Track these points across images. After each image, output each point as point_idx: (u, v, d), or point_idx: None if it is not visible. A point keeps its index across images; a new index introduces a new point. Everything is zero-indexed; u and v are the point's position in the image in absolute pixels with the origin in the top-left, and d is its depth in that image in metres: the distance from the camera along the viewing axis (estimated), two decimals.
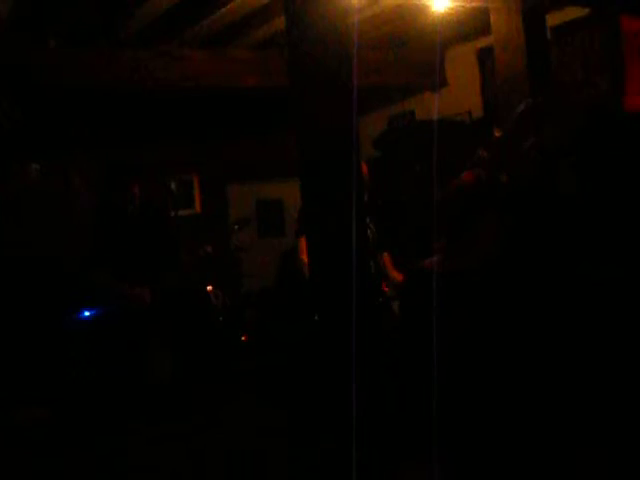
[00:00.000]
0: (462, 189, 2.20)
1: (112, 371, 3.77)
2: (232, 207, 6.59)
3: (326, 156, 2.48)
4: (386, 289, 3.85)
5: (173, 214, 4.68)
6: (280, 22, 3.78)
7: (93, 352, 3.87)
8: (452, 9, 3.71)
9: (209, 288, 4.76)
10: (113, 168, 4.01)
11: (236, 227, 4.50)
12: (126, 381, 3.73)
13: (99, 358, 3.82)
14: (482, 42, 4.81)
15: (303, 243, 3.49)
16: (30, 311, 4.26)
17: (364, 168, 3.62)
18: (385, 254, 3.93)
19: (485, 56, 4.89)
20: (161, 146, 5.99)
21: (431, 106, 5.32)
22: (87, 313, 4.07)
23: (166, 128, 5.87)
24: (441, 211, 2.24)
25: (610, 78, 4.20)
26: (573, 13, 4.32)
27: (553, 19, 4.09)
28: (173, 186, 5.13)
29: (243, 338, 4.77)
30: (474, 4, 3.74)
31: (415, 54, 5.00)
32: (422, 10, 3.89)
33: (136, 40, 4.42)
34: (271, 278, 5.04)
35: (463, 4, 3.78)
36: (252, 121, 6.01)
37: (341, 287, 2.38)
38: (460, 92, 5.16)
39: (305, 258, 3.42)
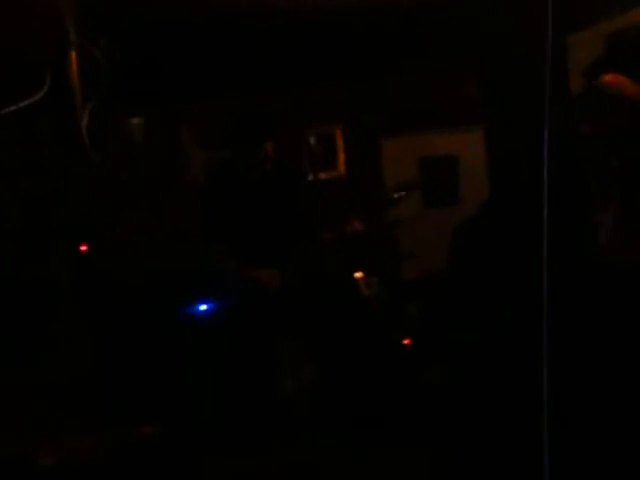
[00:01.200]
0: None
1: (237, 379, 3.79)
2: (387, 168, 6.36)
3: (517, 94, 2.43)
4: None
5: (311, 178, 4.61)
6: None
7: (213, 356, 3.96)
8: None
9: (358, 275, 4.70)
10: (235, 120, 3.91)
11: (396, 195, 4.38)
12: (254, 392, 3.75)
13: (220, 363, 3.89)
14: None
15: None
16: (134, 308, 4.40)
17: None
18: None
19: None
20: (295, 92, 5.87)
21: None
22: (204, 306, 4.18)
23: (300, 68, 5.69)
24: None
25: None
26: None
27: None
28: (312, 142, 5.15)
29: (405, 342, 4.66)
30: None
31: None
32: None
33: None
34: (441, 262, 4.73)
35: None
36: (413, 52, 5.62)
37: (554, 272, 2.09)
38: None
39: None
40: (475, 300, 4.42)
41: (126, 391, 3.89)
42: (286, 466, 3.35)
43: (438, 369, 4.39)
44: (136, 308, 4.48)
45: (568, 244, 2.72)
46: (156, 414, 3.69)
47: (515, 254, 3.76)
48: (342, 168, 6.48)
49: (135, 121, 4.97)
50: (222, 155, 4.16)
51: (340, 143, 6.50)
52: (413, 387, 4.27)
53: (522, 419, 2.49)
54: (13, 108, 3.24)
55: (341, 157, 6.50)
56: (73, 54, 3.58)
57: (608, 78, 2.75)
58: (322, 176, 5.09)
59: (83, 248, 4.05)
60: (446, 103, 6.17)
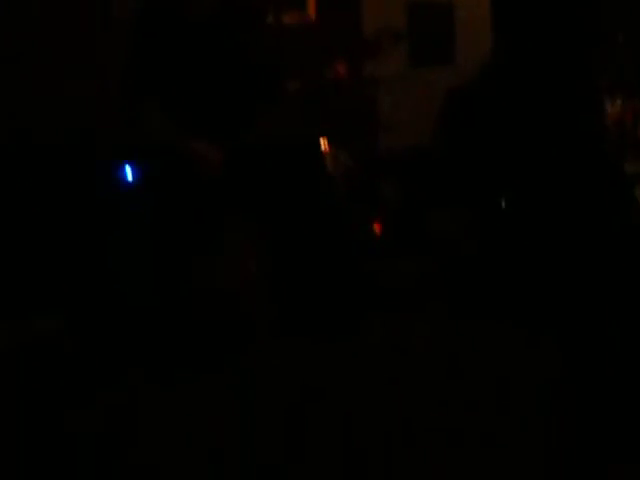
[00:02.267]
0: None
1: (163, 271, 3.50)
2: (367, 12, 6.05)
3: None
4: None
5: (272, 20, 4.24)
6: None
7: (136, 236, 3.69)
8: None
9: (324, 144, 4.31)
10: None
11: (378, 44, 4.29)
12: (183, 290, 3.45)
13: (144, 247, 3.61)
14: None
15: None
16: (42, 169, 4.15)
17: None
18: None
19: None
20: None
21: None
22: (129, 170, 3.81)
23: None
24: None
25: None
26: None
27: None
28: None
29: (376, 227, 4.51)
30: None
31: None
32: None
33: None
34: (426, 133, 4.65)
35: None
36: None
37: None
38: None
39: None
40: (464, 183, 4.31)
41: (23, 276, 3.80)
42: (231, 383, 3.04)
43: (411, 262, 4.34)
44: (45, 169, 4.28)
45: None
46: (59, 306, 3.65)
47: (519, 130, 3.49)
48: (312, 10, 6.06)
49: None
50: None
51: None
52: (381, 280, 4.17)
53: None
54: None
55: None
56: None
57: None
58: (286, 19, 4.67)
59: None
60: None
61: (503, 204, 3.71)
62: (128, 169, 3.79)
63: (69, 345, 3.33)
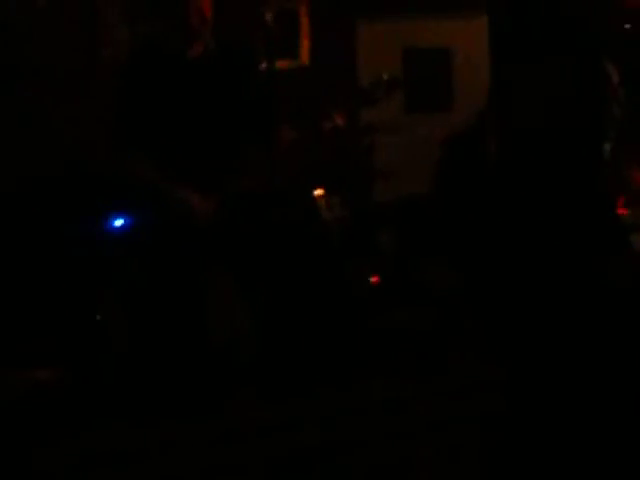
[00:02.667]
0: None
1: (155, 319, 3.54)
2: (363, 58, 6.15)
3: None
4: None
5: (266, 66, 4.14)
6: None
7: (127, 286, 3.68)
8: None
9: (318, 192, 4.39)
10: None
11: (374, 91, 4.21)
12: (176, 338, 3.53)
13: (136, 296, 3.61)
14: None
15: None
16: (29, 223, 4.15)
17: None
18: None
19: None
20: None
21: None
22: (119, 222, 3.78)
23: None
24: None
25: None
26: None
27: None
28: (268, 19, 4.48)
29: (372, 279, 4.46)
30: None
31: None
32: None
33: None
34: (424, 183, 4.66)
35: None
36: None
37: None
38: None
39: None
40: (462, 233, 4.32)
41: (21, 328, 3.83)
42: (216, 432, 3.12)
43: (409, 313, 4.33)
44: (32, 223, 4.24)
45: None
46: (56, 356, 3.66)
47: (518, 178, 3.35)
48: (306, 55, 6.18)
49: None
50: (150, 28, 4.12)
51: (304, 24, 6.19)
52: (381, 334, 4.10)
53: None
54: None
55: (305, 42, 6.20)
56: None
57: None
58: (281, 64, 4.54)
59: None
60: None
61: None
62: (118, 219, 3.77)
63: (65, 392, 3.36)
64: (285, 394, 3.54)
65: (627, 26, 4.38)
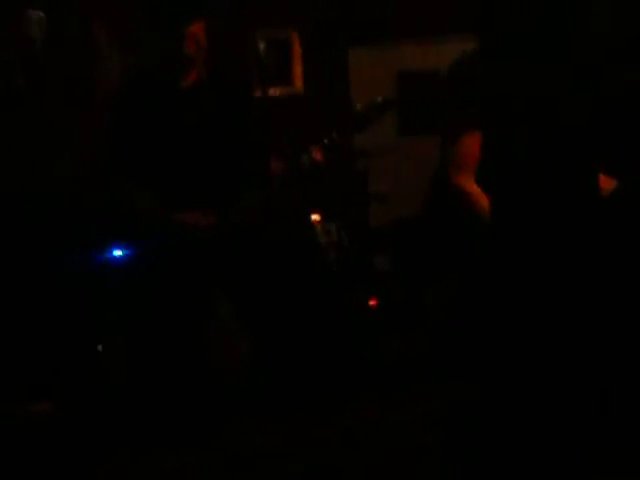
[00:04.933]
0: None
1: (153, 350, 3.61)
2: (356, 84, 6.21)
3: None
4: None
5: (260, 94, 4.24)
6: None
7: (127, 317, 3.76)
8: None
9: (315, 218, 4.49)
10: (158, 5, 3.73)
11: (367, 115, 4.30)
12: (175, 366, 3.58)
13: (136, 327, 3.69)
14: None
15: (469, 148, 3.42)
16: (26, 255, 4.09)
17: None
18: None
19: None
20: None
21: None
22: (119, 252, 3.87)
23: None
24: None
25: None
26: None
27: None
28: (261, 48, 4.77)
29: (371, 302, 4.52)
30: None
31: None
32: None
33: None
34: (420, 205, 4.52)
35: None
36: None
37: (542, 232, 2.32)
38: None
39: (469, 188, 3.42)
40: (460, 255, 4.14)
41: (16, 360, 3.77)
42: (215, 458, 3.19)
43: (412, 336, 4.35)
44: (29, 255, 4.19)
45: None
46: (53, 387, 3.64)
47: (513, 202, 3.58)
48: (299, 83, 6.29)
49: (35, 15, 4.51)
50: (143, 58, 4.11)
51: (297, 51, 6.28)
52: (379, 359, 4.19)
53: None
54: None
55: (298, 69, 6.29)
56: None
57: None
58: (274, 92, 4.77)
59: None
60: (428, 9, 6.03)
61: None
62: (118, 249, 3.84)
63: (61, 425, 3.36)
64: (284, 418, 3.55)
65: None
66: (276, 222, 4.07)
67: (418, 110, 6.20)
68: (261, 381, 3.75)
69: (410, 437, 3.21)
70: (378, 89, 5.67)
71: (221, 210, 3.69)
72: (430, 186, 4.28)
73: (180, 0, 3.72)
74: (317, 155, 3.94)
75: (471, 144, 3.52)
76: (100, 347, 3.87)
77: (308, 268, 4.36)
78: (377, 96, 4.27)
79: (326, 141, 4.00)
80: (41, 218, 4.25)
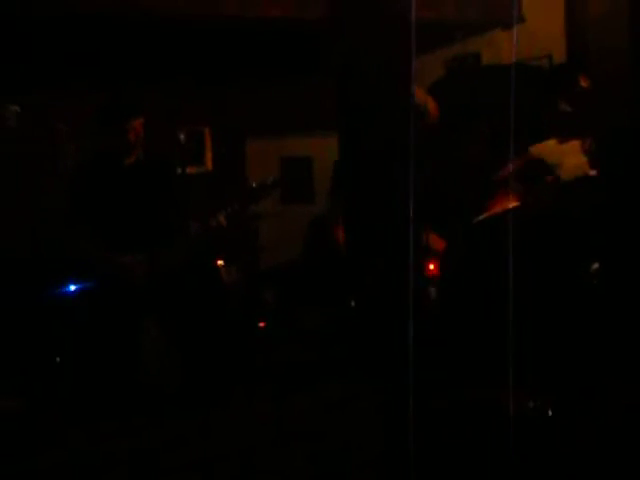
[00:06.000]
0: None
1: (99, 358, 3.62)
2: (251, 166, 6.38)
3: (373, 105, 2.44)
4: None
5: (180, 171, 4.42)
6: None
7: (78, 333, 3.73)
8: None
9: (219, 263, 4.57)
10: (109, 106, 3.74)
11: (260, 190, 4.32)
12: (115, 371, 3.60)
13: (84, 341, 3.68)
14: None
15: (338, 211, 3.41)
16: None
17: (421, 94, 3.46)
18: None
19: None
20: (167, 90, 5.74)
21: (502, 48, 5.00)
22: (72, 287, 3.84)
23: (174, 69, 5.61)
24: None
25: None
26: None
27: None
28: (182, 138, 4.87)
29: (260, 325, 4.64)
30: None
31: None
32: None
33: None
34: (296, 253, 4.90)
35: None
36: (277, 63, 5.76)
37: (387, 266, 2.36)
38: (539, 31, 4.81)
39: (340, 231, 3.34)
40: (325, 288, 4.42)
41: None
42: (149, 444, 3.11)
43: (291, 350, 4.35)
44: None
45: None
46: (20, 388, 3.59)
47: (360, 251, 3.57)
48: (209, 164, 6.40)
49: (10, 108, 4.70)
50: (95, 144, 3.98)
51: (208, 141, 6.42)
52: (268, 367, 4.17)
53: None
54: None
55: (208, 154, 6.41)
56: None
57: (417, 92, 2.92)
58: (190, 170, 5.02)
59: None
60: (305, 110, 6.14)
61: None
62: (72, 282, 3.76)
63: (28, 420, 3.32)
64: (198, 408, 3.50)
65: None
66: (192, 266, 4.01)
67: (296, 185, 6.27)
68: (179, 381, 3.73)
69: (307, 424, 3.16)
70: (267, 170, 5.69)
71: (151, 255, 3.69)
72: (309, 234, 4.46)
73: (122, 104, 3.74)
74: (222, 219, 3.95)
75: None
76: (58, 359, 3.86)
77: (215, 299, 4.30)
78: (268, 177, 4.37)
79: (229, 209, 3.99)
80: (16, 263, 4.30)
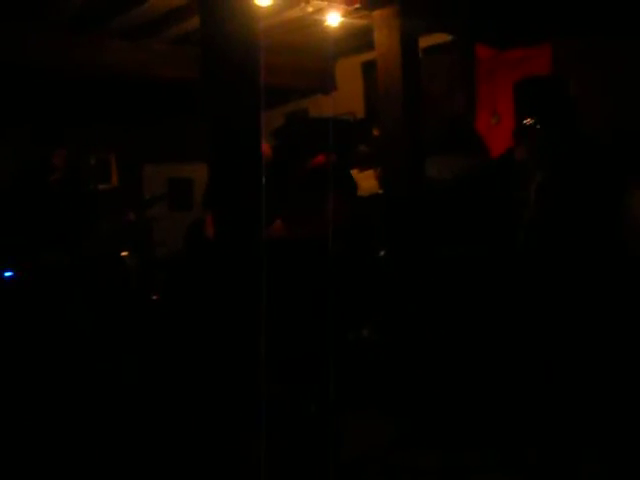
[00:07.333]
0: (315, 170, 2.52)
1: (36, 323, 3.56)
2: (147, 183, 6.35)
3: (233, 143, 2.41)
4: None
5: (92, 186, 4.55)
6: (196, 21, 3.61)
7: (14, 310, 3.66)
8: (343, 26, 3.85)
9: (124, 253, 4.56)
10: (38, 139, 4.02)
11: (153, 201, 4.47)
12: (49, 331, 3.53)
13: (22, 315, 3.62)
14: (367, 56, 4.96)
15: (209, 217, 3.35)
16: None
17: (267, 149, 3.58)
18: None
19: (369, 67, 5.04)
20: (82, 126, 5.67)
21: (323, 106, 5.50)
22: (8, 274, 3.85)
23: (88, 109, 5.56)
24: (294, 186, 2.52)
25: (465, 97, 4.39)
26: (440, 38, 4.56)
27: (424, 41, 4.25)
28: (92, 162, 5.05)
29: (154, 297, 4.54)
30: (361, 22, 3.86)
31: (311, 61, 5.18)
32: (319, 23, 4.00)
33: (65, 24, 4.16)
34: (180, 246, 4.60)
35: (352, 21, 3.89)
36: (167, 107, 5.83)
37: (243, 265, 2.32)
38: (347, 96, 5.37)
39: (210, 231, 3.23)
40: (200, 271, 4.07)
41: None
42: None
43: (176, 313, 4.20)
44: None
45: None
46: None
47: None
48: (115, 182, 6.34)
49: None
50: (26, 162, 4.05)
51: (114, 165, 6.36)
52: (159, 330, 4.06)
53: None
54: None
55: (114, 175, 6.36)
56: None
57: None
58: (101, 186, 5.03)
59: None
60: (188, 143, 5.68)
61: None
62: (6, 274, 3.73)
63: None
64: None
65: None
66: (103, 254, 4.09)
67: (180, 197, 6.11)
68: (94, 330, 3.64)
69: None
70: (158, 187, 5.85)
71: (72, 249, 3.75)
72: (189, 232, 4.36)
73: (48, 137, 3.89)
74: (131, 216, 4.05)
75: None
76: None
77: (121, 279, 4.34)
78: (160, 192, 4.55)
79: (132, 214, 4.10)
80: None
